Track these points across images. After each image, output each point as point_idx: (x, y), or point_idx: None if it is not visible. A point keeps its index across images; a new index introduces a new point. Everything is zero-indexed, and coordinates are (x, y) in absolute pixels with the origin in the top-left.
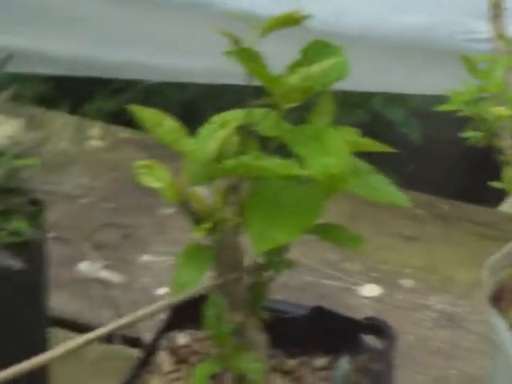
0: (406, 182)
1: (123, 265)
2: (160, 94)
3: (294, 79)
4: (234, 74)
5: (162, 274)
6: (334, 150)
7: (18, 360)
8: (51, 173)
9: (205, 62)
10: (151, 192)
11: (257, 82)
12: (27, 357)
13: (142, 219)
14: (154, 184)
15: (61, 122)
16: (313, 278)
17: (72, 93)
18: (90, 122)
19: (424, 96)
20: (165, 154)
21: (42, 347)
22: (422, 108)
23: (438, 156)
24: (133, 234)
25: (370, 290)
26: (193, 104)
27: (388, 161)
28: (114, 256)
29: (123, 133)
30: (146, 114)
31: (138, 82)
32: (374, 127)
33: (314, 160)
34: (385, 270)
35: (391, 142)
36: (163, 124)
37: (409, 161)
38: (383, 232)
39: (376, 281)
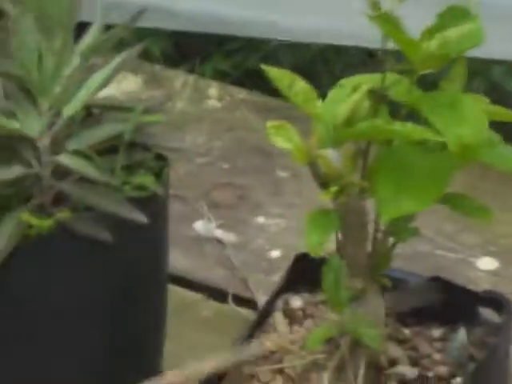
0: None
1: (238, 225)
2: (274, 57)
3: (431, 45)
4: (359, 36)
5: (276, 237)
6: (470, 119)
7: (140, 314)
8: (171, 131)
9: (333, 23)
10: (267, 154)
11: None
12: (149, 311)
13: (257, 181)
14: (284, 145)
15: (180, 81)
16: (428, 248)
17: (190, 52)
18: (207, 81)
19: None
20: (283, 115)
21: (162, 303)
22: None
23: None
24: (248, 195)
25: (487, 263)
26: (306, 68)
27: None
28: (229, 216)
29: (240, 93)
30: (278, 74)
31: (253, 44)
32: (491, 98)
33: (448, 129)
34: (503, 244)
35: None
36: (295, 85)
37: None
38: (503, 206)
39: (493, 254)
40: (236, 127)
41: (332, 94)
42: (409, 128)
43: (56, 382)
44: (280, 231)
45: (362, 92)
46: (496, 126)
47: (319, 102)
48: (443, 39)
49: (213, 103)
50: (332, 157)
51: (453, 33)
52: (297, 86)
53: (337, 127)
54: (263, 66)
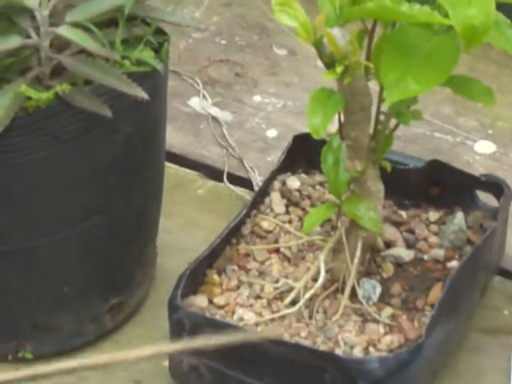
0: None
1: (234, 103)
2: None
3: None
4: None
5: (272, 116)
6: (478, 0)
7: (139, 187)
8: (168, 5)
9: None
10: (265, 31)
11: None
12: (146, 187)
13: (254, 58)
14: (290, 22)
15: None
16: (426, 130)
17: None
18: None
19: None
20: None
21: (159, 178)
22: None
23: None
24: (245, 72)
25: (484, 146)
26: None
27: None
28: (226, 94)
29: None
30: None
31: None
32: None
33: (456, 10)
34: (501, 128)
35: None
36: None
37: None
38: (501, 88)
39: (491, 138)
40: (234, 2)
41: None
42: (416, 10)
43: (50, 253)
44: (276, 110)
45: None
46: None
47: None
48: None
49: None
50: (338, 36)
51: None
52: None
53: (343, 5)
54: None
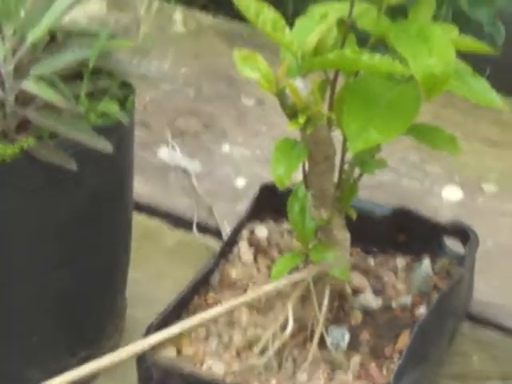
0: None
1: (203, 153)
2: None
3: None
4: None
5: (241, 165)
6: (438, 50)
7: (106, 241)
8: (135, 57)
9: None
10: (233, 81)
11: None
12: (114, 238)
13: (222, 109)
14: (252, 74)
15: (144, 5)
16: (392, 177)
17: None
18: (172, 6)
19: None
20: (250, 42)
21: (127, 230)
22: (506, 10)
23: None
24: (213, 122)
25: (451, 193)
26: None
27: (471, 59)
28: (194, 144)
29: (206, 19)
30: (246, 2)
31: None
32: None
33: (416, 60)
34: (467, 174)
35: None
36: (262, 13)
37: (490, 62)
38: (466, 136)
39: (457, 184)
40: (202, 53)
41: (300, 22)
42: (376, 60)
43: (17, 305)
44: (245, 160)
45: (330, 21)
46: (464, 56)
47: (287, 31)
48: None
49: (178, 28)
50: (300, 87)
51: None
52: (265, 14)
53: (305, 56)
54: None
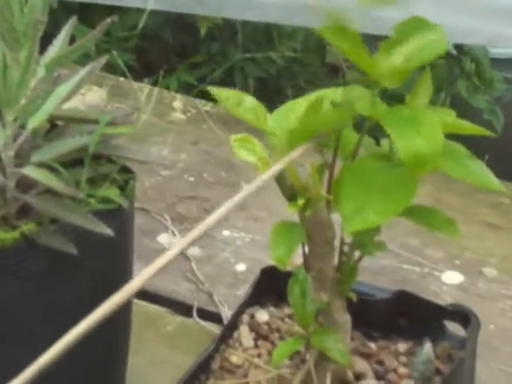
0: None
1: (203, 238)
2: (240, 70)
3: (392, 60)
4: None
5: (241, 250)
6: (424, 131)
7: (105, 327)
8: (135, 144)
9: None
10: (232, 167)
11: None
12: (114, 325)
13: (222, 194)
14: (248, 158)
15: (144, 94)
16: (393, 262)
17: (153, 65)
18: (172, 94)
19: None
20: (248, 127)
21: (126, 316)
22: (505, 96)
23: None
24: (213, 208)
25: (452, 277)
26: (271, 81)
27: (470, 146)
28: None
29: (205, 106)
30: (225, 94)
31: (218, 57)
32: (455, 112)
33: (404, 140)
34: (467, 258)
35: None
36: (243, 102)
37: (490, 148)
38: (466, 219)
39: (458, 268)
40: (201, 140)
41: (286, 106)
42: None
43: None
44: (245, 245)
45: (325, 105)
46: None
47: (269, 117)
48: (405, 53)
49: (178, 116)
50: (298, 169)
51: (414, 45)
52: (245, 104)
53: (297, 140)
54: (209, 88)
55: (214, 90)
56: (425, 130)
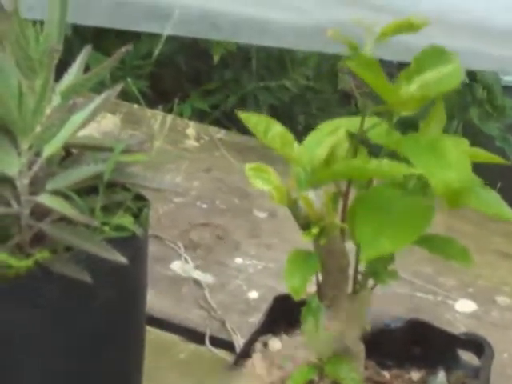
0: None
1: (216, 266)
2: (253, 98)
3: (410, 89)
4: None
5: (254, 278)
6: (453, 162)
7: (118, 355)
8: (149, 171)
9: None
10: (245, 194)
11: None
12: (127, 353)
13: (235, 221)
14: (264, 186)
15: (158, 121)
16: (407, 290)
17: (168, 92)
18: (185, 121)
19: None
20: (262, 155)
21: (140, 344)
22: None
23: None
24: (226, 235)
25: (465, 305)
26: (284, 108)
27: (482, 174)
28: (207, 257)
29: (219, 133)
30: (254, 120)
31: (232, 85)
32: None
33: (433, 173)
34: (480, 286)
35: None
36: (271, 129)
37: (502, 176)
38: (479, 248)
39: (471, 297)
40: (214, 167)
41: (310, 137)
42: (384, 164)
43: None
44: (258, 272)
45: (339, 134)
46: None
47: (296, 145)
48: (422, 82)
49: (191, 143)
50: (313, 198)
51: (432, 75)
52: (273, 130)
53: (315, 169)
54: (239, 113)
55: (243, 115)
56: (453, 160)
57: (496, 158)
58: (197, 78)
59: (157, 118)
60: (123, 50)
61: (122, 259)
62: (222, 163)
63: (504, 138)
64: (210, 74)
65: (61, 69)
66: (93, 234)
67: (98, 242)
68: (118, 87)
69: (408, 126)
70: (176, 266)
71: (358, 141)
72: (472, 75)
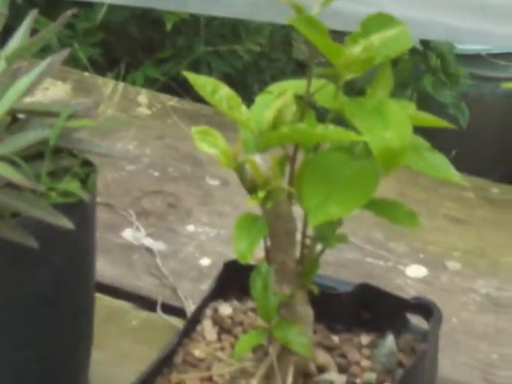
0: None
1: (168, 233)
2: (206, 65)
3: (356, 50)
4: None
5: (206, 245)
6: (394, 124)
7: (68, 322)
8: (99, 138)
9: None
10: (198, 162)
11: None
12: (76, 319)
13: (187, 189)
14: (210, 150)
15: (109, 88)
16: (357, 255)
17: (118, 60)
18: (137, 88)
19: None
20: (214, 122)
21: (89, 311)
22: (471, 92)
23: (484, 141)
24: (178, 203)
25: (416, 270)
26: (238, 76)
27: (436, 142)
28: (159, 224)
29: (171, 101)
30: (202, 81)
31: (185, 52)
32: (421, 108)
33: (372, 133)
34: (431, 252)
35: None
36: (218, 91)
37: (457, 144)
38: (430, 213)
39: (422, 262)
40: (166, 135)
41: (258, 99)
42: (330, 130)
43: None
44: (210, 239)
45: (286, 97)
46: (426, 133)
47: (244, 108)
48: (367, 43)
49: (143, 110)
50: (259, 162)
51: (378, 37)
52: (220, 92)
53: (262, 132)
54: (186, 73)
55: (191, 76)
56: (394, 122)
57: (445, 123)
58: (150, 47)
59: (108, 86)
60: (69, 13)
61: (69, 224)
62: (175, 131)
63: (457, 106)
64: (163, 43)
65: (8, 36)
66: (39, 199)
67: (44, 208)
68: (65, 52)
69: (359, 93)
70: (127, 233)
71: (306, 104)
72: (426, 44)
